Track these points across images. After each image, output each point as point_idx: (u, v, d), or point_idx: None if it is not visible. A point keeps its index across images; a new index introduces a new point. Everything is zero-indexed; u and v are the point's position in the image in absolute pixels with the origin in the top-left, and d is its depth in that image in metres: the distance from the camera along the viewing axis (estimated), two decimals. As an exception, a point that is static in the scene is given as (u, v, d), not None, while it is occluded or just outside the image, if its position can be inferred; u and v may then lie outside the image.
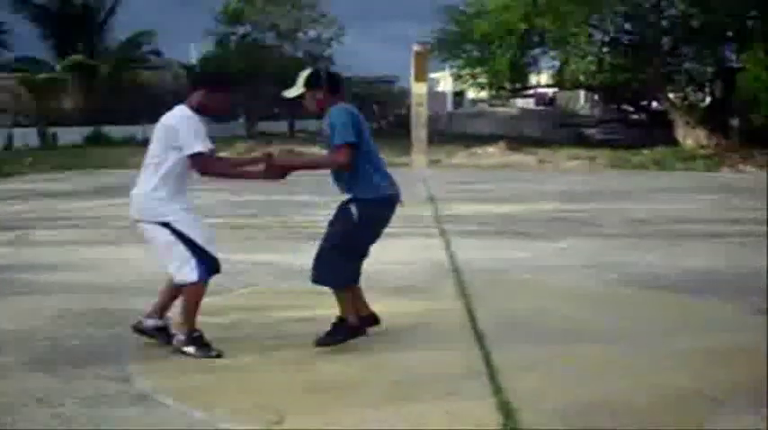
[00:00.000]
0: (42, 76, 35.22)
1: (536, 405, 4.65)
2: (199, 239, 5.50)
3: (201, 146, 5.38)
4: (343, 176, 5.66)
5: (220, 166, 5.71)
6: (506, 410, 4.53)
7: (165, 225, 5.44)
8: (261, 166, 5.83)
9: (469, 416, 4.49)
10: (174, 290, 5.72)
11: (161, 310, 5.84)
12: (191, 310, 5.59)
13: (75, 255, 9.57)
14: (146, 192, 5.47)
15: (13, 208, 14.74)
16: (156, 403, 4.72)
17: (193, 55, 45.74)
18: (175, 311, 5.76)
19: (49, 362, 5.51)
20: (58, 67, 38.02)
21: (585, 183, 19.39)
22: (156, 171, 5.45)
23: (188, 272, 5.47)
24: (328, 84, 5.70)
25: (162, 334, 5.79)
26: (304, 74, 5.71)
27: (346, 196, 5.72)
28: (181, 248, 5.44)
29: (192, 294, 5.56)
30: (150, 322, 5.83)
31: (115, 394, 4.87)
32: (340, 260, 5.66)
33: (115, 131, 34.28)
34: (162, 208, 5.44)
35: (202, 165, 5.44)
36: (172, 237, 5.45)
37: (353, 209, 5.62)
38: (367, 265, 5.88)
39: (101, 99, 36.14)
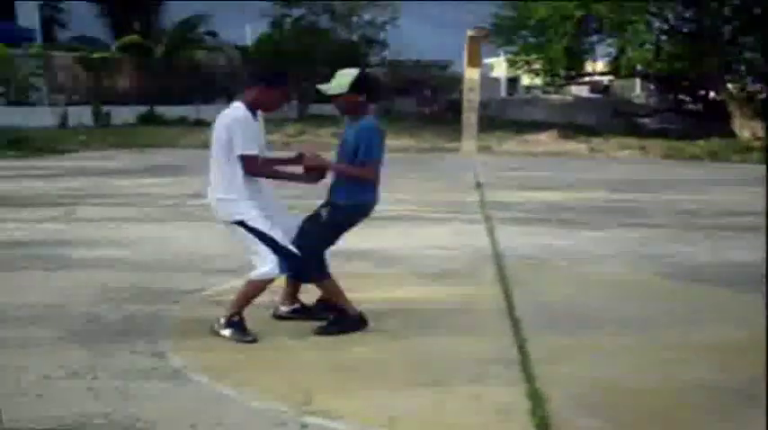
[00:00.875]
0: (98, 55, 35.63)
1: (566, 393, 4.65)
2: (277, 236, 5.60)
3: (251, 147, 5.48)
4: (342, 181, 5.78)
5: (268, 169, 5.77)
6: (535, 398, 4.53)
7: (240, 223, 5.55)
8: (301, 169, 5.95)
9: (495, 402, 4.51)
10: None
11: (292, 296, 6.13)
12: (247, 299, 5.72)
13: (120, 232, 9.71)
14: (217, 194, 5.60)
15: (63, 185, 14.97)
16: (188, 380, 4.81)
17: (249, 36, 46.03)
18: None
19: (86, 336, 5.63)
20: (113, 47, 38.45)
21: (636, 173, 19.17)
22: (220, 171, 5.56)
23: (270, 267, 5.58)
24: (368, 90, 5.76)
25: (299, 314, 6.11)
26: (349, 75, 5.68)
27: (336, 196, 5.82)
28: (261, 246, 5.56)
29: (257, 287, 5.68)
30: (285, 308, 6.13)
31: (149, 369, 4.97)
32: (322, 256, 5.83)
33: (168, 111, 34.57)
34: (232, 208, 5.55)
35: (251, 166, 5.52)
36: (250, 235, 5.56)
37: (342, 211, 5.80)
38: (409, 251, 5.94)
39: (155, 79, 36.48)
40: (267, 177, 5.78)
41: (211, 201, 5.67)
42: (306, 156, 5.90)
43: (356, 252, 7.70)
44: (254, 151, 5.50)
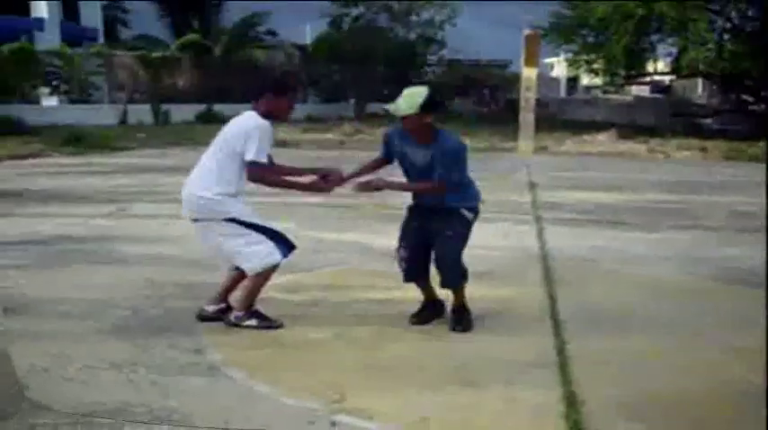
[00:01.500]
0: (157, 54, 36.13)
1: (604, 397, 4.59)
2: (271, 224, 5.72)
3: (263, 156, 5.53)
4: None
5: (275, 177, 5.81)
6: (571, 401, 4.48)
7: (231, 220, 5.61)
8: (310, 178, 6.02)
9: (530, 404, 4.47)
10: (238, 275, 5.93)
11: (224, 295, 6.05)
12: (257, 291, 5.80)
13: (168, 228, 9.81)
14: (200, 193, 5.61)
15: (117, 181, 15.21)
16: (224, 376, 4.86)
17: (308, 35, 46.29)
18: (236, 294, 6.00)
19: (127, 331, 5.73)
20: (173, 46, 38.93)
21: (694, 174, 18.84)
22: (216, 171, 5.60)
23: (269, 255, 5.62)
24: (435, 109, 5.69)
25: (226, 316, 5.98)
26: (419, 96, 5.54)
27: (448, 204, 5.78)
28: (254, 236, 5.61)
29: (263, 277, 5.75)
30: (212, 307, 6.03)
31: (186, 364, 5.03)
32: (461, 261, 5.87)
33: (226, 109, 34.78)
34: (222, 206, 5.59)
35: (258, 173, 5.57)
36: (243, 229, 5.62)
37: (467, 214, 5.83)
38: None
39: (213, 78, 36.85)
40: (272, 186, 5.81)
41: (189, 198, 5.68)
42: (329, 176, 5.93)
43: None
44: (264, 160, 5.54)
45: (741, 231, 10.60)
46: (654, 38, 31.59)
